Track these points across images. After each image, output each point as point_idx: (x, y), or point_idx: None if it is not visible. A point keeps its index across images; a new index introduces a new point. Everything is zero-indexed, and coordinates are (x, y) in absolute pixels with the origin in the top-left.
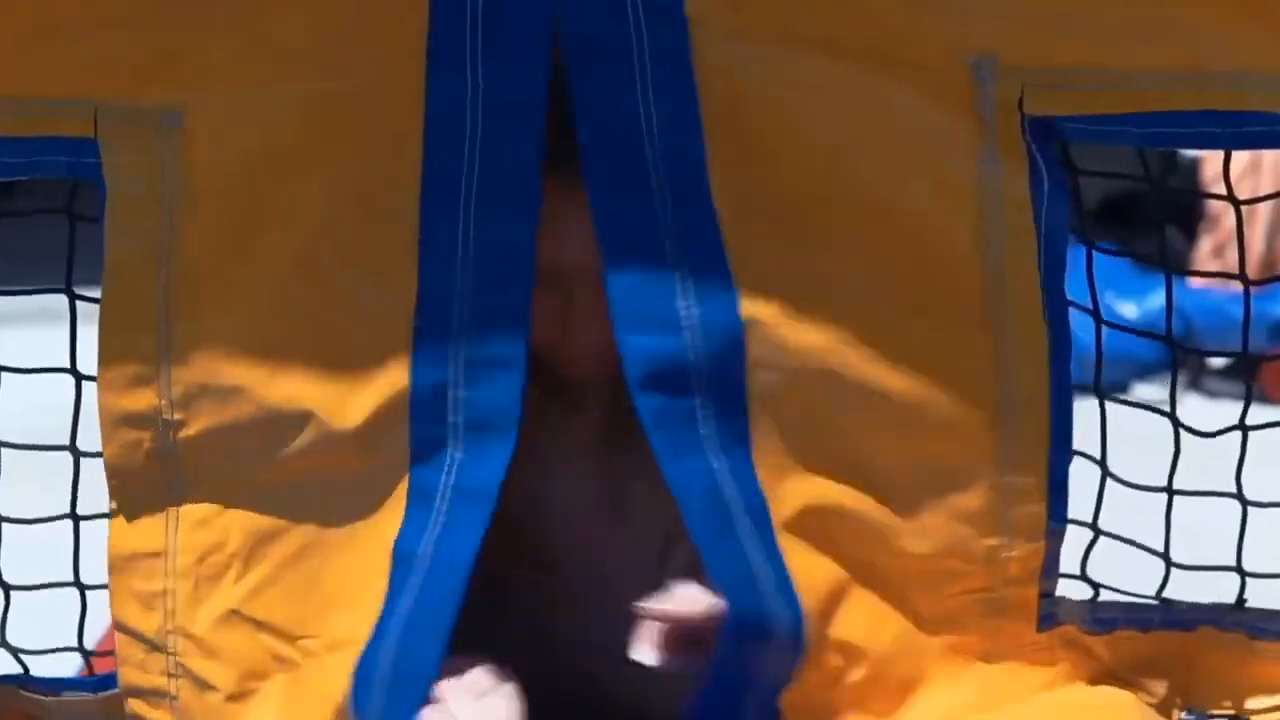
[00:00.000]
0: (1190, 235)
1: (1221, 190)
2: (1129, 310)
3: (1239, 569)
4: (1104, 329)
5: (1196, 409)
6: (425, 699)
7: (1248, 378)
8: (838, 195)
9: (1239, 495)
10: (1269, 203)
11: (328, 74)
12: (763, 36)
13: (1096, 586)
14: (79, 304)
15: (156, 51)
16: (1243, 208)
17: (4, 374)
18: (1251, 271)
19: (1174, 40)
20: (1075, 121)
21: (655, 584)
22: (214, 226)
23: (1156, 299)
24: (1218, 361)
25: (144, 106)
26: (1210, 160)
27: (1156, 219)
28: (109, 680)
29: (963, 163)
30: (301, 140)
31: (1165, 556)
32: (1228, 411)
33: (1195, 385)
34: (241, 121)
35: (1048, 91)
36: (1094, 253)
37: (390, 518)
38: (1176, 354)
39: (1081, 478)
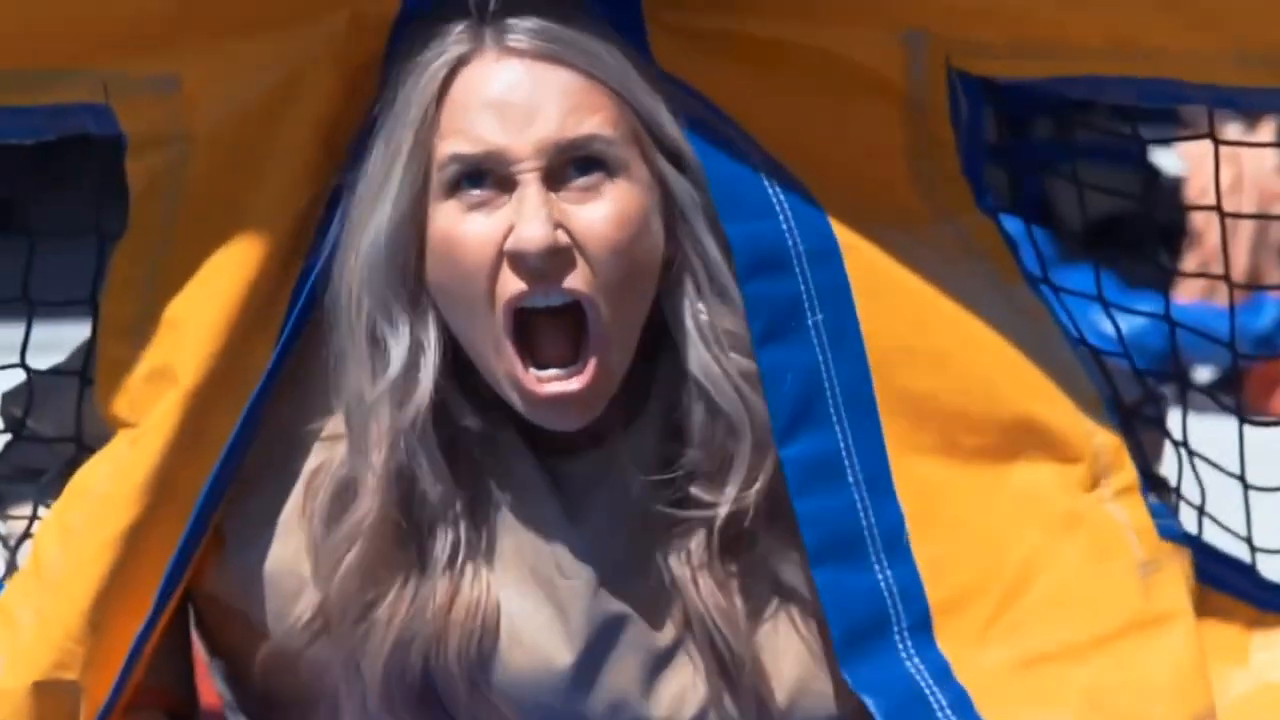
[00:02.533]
0: (1174, 254)
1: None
2: (1111, 327)
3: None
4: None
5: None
6: None
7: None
8: None
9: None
10: (1251, 220)
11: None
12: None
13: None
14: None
15: (147, 21)
16: (1226, 225)
17: None
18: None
19: (1099, 22)
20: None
21: None
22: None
23: (1140, 316)
24: (1203, 375)
25: (143, 77)
26: (1194, 179)
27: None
28: None
29: (891, 105)
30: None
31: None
32: (1213, 425)
33: (1179, 400)
34: (228, 75)
35: (974, 58)
36: (1082, 270)
37: None
38: (1236, 353)
39: None
